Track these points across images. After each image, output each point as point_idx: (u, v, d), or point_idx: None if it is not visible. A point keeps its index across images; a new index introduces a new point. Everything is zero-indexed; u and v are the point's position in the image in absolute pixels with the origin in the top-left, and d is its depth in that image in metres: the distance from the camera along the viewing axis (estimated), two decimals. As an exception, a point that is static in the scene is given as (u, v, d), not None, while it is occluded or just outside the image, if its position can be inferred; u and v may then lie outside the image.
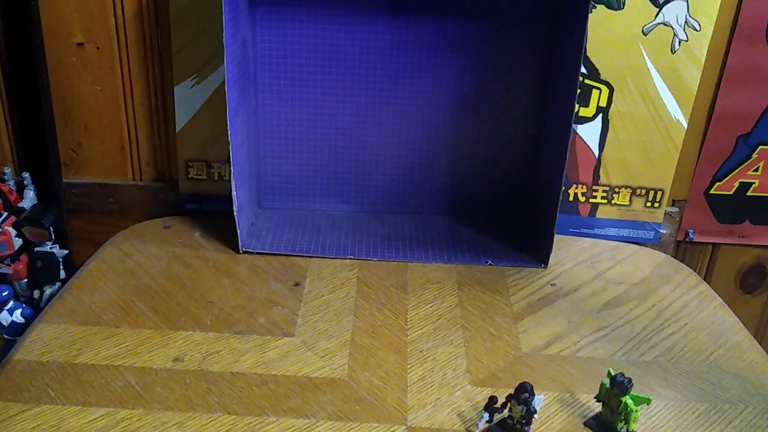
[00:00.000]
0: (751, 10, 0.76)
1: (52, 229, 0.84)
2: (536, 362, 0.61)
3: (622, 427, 0.52)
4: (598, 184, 0.84)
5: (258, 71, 0.79)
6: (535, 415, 0.50)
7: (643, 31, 0.77)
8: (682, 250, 0.90)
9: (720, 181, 0.85)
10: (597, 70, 0.78)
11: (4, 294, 0.82)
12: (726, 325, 0.69)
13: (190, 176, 0.84)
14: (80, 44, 0.79)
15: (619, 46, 0.77)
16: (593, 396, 0.54)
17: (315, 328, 0.64)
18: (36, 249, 0.85)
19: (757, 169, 0.84)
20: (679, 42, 0.77)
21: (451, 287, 0.72)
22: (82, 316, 0.64)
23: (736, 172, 0.84)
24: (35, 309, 0.85)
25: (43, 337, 0.61)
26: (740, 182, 0.85)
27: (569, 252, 0.81)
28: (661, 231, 0.86)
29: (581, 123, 0.81)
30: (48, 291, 0.86)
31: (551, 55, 0.78)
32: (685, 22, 0.76)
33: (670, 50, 0.77)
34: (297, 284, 0.71)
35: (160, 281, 0.70)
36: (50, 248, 0.85)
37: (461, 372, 0.59)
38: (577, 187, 0.84)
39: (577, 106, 0.79)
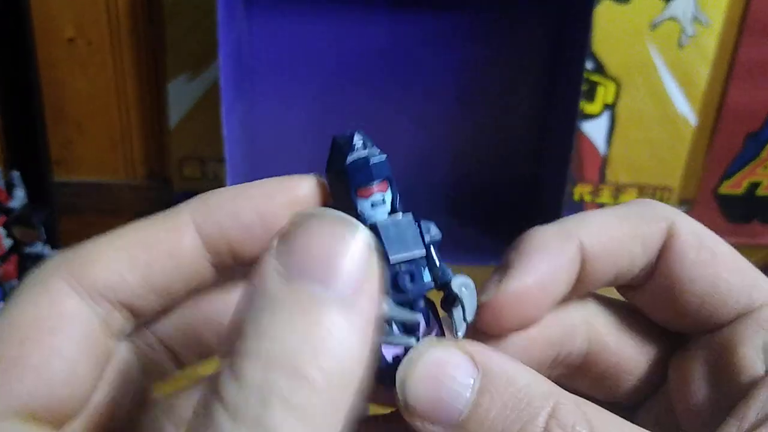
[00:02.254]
0: (761, 3, 0.75)
1: (42, 229, 0.83)
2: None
3: None
4: (604, 183, 0.82)
5: (254, 67, 0.78)
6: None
7: (650, 26, 0.75)
8: (690, 250, 0.88)
9: (729, 179, 0.84)
10: (603, 65, 0.77)
11: (-7, 296, 0.81)
12: (736, 328, 0.67)
13: (184, 175, 0.83)
14: (71, 39, 0.78)
15: (626, 41, 0.76)
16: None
17: (312, 332, 0.62)
18: (26, 250, 0.83)
19: (766, 167, 0.83)
20: (688, 37, 0.76)
21: (453, 289, 0.70)
22: (71, 319, 0.62)
23: (745, 170, 0.83)
24: (25, 311, 0.83)
25: (31, 341, 0.59)
26: (750, 181, 0.84)
27: (574, 253, 0.79)
28: (669, 231, 0.85)
29: (587, 120, 0.80)
30: (39, 293, 0.84)
31: (556, 50, 0.77)
32: (694, 16, 0.75)
33: (678, 45, 0.76)
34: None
35: (153, 283, 0.69)
36: (41, 249, 0.84)
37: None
38: (583, 186, 0.83)
39: (582, 102, 0.78)
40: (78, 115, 0.82)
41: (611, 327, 0.22)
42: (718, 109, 0.80)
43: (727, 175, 0.84)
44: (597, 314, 0.22)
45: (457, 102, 0.80)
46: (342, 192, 0.19)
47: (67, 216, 0.86)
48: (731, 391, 0.19)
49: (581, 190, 0.83)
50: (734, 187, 0.84)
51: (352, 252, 0.15)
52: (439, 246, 0.20)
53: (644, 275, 0.21)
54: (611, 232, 0.20)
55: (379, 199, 0.19)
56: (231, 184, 0.70)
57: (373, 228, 0.18)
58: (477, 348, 0.18)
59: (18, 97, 0.81)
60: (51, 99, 0.81)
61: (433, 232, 0.20)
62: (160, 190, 0.84)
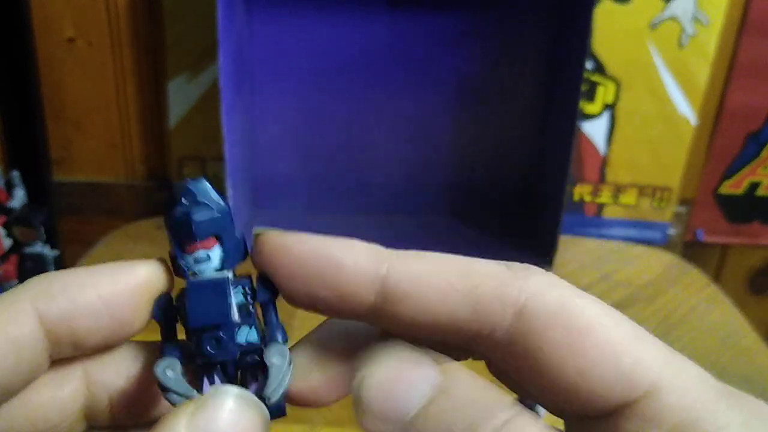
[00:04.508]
0: (761, 3, 0.75)
1: (42, 229, 0.82)
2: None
3: None
4: (604, 183, 0.82)
5: (254, 66, 0.77)
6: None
7: (650, 26, 0.75)
8: (691, 250, 0.88)
9: (729, 179, 0.83)
10: (603, 65, 0.77)
11: (-7, 296, 0.81)
12: (735, 328, 0.67)
13: (184, 175, 0.83)
14: (71, 39, 0.78)
15: (626, 41, 0.76)
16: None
17: (312, 332, 0.62)
18: (26, 249, 0.83)
19: (766, 167, 0.83)
20: (688, 36, 0.75)
21: (453, 289, 0.70)
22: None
23: (745, 170, 0.83)
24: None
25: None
26: (750, 181, 0.83)
27: (575, 253, 0.79)
28: (669, 231, 0.85)
29: (587, 120, 0.79)
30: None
31: (556, 50, 0.76)
32: (694, 16, 0.75)
33: (678, 45, 0.76)
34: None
35: (153, 283, 0.68)
36: (41, 249, 0.83)
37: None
38: (583, 186, 0.83)
39: (582, 102, 0.78)
40: (78, 115, 0.81)
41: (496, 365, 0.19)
42: (718, 109, 0.80)
43: (728, 175, 0.83)
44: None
45: (457, 102, 0.80)
46: (171, 244, 0.19)
47: (66, 216, 0.86)
48: None
49: (581, 190, 0.83)
50: (734, 187, 0.84)
51: None
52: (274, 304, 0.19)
53: (493, 346, 0.17)
54: (431, 279, 0.17)
55: (203, 256, 0.18)
56: (231, 184, 0.70)
57: (184, 291, 0.18)
58: (444, 359, 0.17)
59: (18, 96, 0.80)
60: (51, 99, 0.80)
61: (266, 292, 0.19)
62: (160, 190, 0.84)
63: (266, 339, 0.19)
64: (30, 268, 0.83)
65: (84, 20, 0.77)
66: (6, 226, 0.81)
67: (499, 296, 0.17)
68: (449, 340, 0.18)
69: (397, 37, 0.76)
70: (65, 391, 0.18)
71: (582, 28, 0.67)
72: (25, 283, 0.17)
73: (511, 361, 0.17)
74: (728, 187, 0.84)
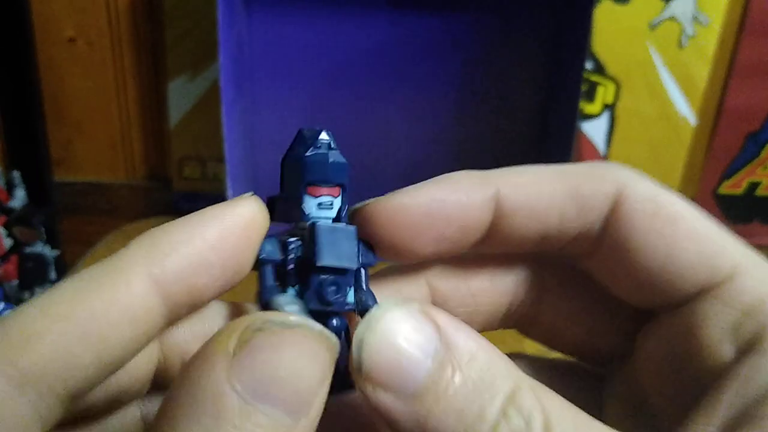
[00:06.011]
0: (761, 3, 0.74)
1: (43, 229, 0.82)
2: (541, 367, 0.59)
3: None
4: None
5: (254, 67, 0.77)
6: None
7: (650, 26, 0.75)
8: (690, 250, 0.88)
9: (728, 179, 0.83)
10: (603, 65, 0.77)
11: (-7, 296, 0.81)
12: (736, 328, 0.67)
13: (184, 175, 0.82)
14: (72, 40, 0.78)
15: (626, 41, 0.76)
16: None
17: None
18: (26, 250, 0.83)
19: (766, 167, 0.82)
20: (687, 37, 0.75)
21: (452, 289, 0.70)
22: (71, 319, 0.62)
23: (745, 170, 0.83)
24: (26, 311, 0.83)
25: (31, 341, 0.59)
26: (749, 181, 0.83)
27: (574, 253, 0.79)
28: (669, 231, 0.85)
29: (587, 120, 0.79)
30: (39, 293, 0.84)
31: (556, 50, 0.76)
32: (694, 16, 0.75)
33: (677, 45, 0.76)
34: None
35: (153, 283, 0.68)
36: (41, 249, 0.83)
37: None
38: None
39: (582, 102, 0.78)
40: (78, 115, 0.81)
41: (562, 288, 0.20)
42: (717, 109, 0.80)
43: (727, 175, 0.83)
44: (548, 274, 0.20)
45: (456, 102, 0.80)
46: (293, 185, 0.18)
47: (67, 216, 0.86)
48: (697, 375, 0.17)
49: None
50: (734, 187, 0.84)
51: (323, 373, 0.14)
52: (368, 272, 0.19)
53: (589, 242, 0.18)
54: (539, 187, 0.18)
55: (327, 202, 0.18)
56: (231, 184, 0.70)
57: (313, 227, 0.17)
58: (441, 315, 0.16)
59: (18, 97, 0.80)
60: (51, 99, 0.80)
61: (369, 255, 0.19)
62: (160, 190, 0.84)
63: (360, 302, 0.18)
64: (30, 268, 0.83)
65: (84, 20, 0.77)
66: (6, 226, 0.81)
67: (598, 191, 0.18)
68: (556, 245, 0.19)
69: (397, 36, 0.76)
70: (142, 356, 0.16)
71: (582, 28, 0.67)
72: (131, 244, 0.15)
73: (604, 254, 0.18)
74: (728, 188, 0.84)
